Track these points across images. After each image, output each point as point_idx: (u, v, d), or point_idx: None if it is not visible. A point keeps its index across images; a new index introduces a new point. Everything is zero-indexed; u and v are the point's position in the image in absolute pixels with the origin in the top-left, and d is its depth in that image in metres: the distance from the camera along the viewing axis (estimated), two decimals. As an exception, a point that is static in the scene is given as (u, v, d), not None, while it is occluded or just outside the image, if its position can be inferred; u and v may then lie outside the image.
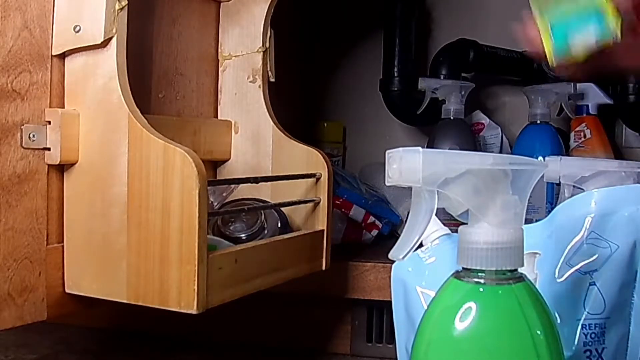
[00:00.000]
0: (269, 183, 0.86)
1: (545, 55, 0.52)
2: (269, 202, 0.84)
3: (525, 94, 1.23)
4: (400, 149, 0.38)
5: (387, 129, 1.47)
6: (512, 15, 1.41)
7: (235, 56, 0.90)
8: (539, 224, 0.52)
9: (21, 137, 0.65)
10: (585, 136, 1.23)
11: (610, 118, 1.36)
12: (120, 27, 0.65)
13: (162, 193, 0.62)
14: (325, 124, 1.48)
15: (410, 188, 0.39)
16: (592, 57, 0.50)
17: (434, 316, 0.39)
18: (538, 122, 1.20)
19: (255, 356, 0.46)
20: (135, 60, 0.72)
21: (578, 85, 1.23)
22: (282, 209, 0.83)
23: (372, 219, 1.09)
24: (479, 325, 0.37)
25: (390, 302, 0.58)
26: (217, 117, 0.92)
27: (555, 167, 0.57)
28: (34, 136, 0.65)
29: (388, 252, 0.42)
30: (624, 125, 1.37)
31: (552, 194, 1.07)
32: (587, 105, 1.26)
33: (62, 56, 0.67)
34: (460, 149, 1.03)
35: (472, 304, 0.37)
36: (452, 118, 1.19)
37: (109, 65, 0.65)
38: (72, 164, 0.66)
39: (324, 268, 0.82)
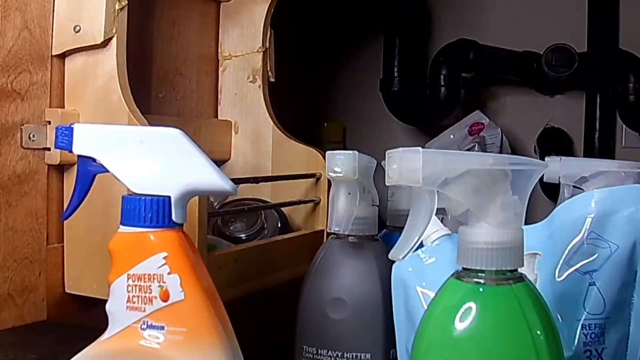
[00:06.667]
0: (269, 183, 0.86)
1: None
2: (269, 202, 0.84)
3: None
4: (400, 149, 0.38)
5: (387, 129, 1.47)
6: (512, 15, 1.40)
7: (235, 56, 0.90)
8: (539, 225, 0.52)
9: (21, 137, 0.65)
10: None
11: (610, 118, 1.36)
12: (120, 27, 0.65)
13: (162, 193, 0.62)
14: (326, 124, 1.48)
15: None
16: None
17: (434, 316, 0.39)
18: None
19: (256, 356, 0.46)
20: (135, 60, 0.72)
21: None
22: (282, 209, 0.83)
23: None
24: (479, 326, 0.37)
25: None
26: (217, 117, 0.92)
27: (555, 167, 0.57)
28: (34, 136, 0.65)
29: (388, 252, 0.42)
30: (624, 125, 1.37)
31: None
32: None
33: (62, 56, 0.67)
34: None
35: (472, 304, 0.37)
36: None
37: (109, 65, 0.65)
38: (72, 164, 0.66)
39: (324, 268, 0.82)
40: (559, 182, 0.57)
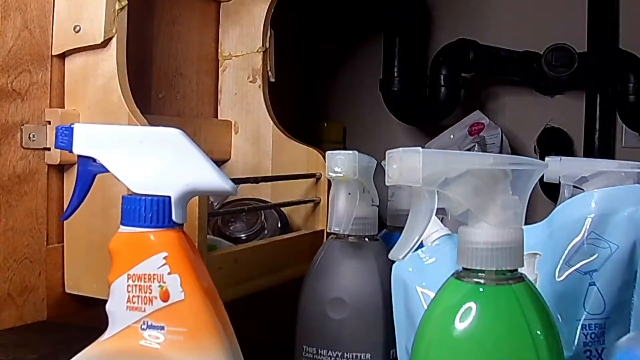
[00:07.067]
0: (269, 183, 0.86)
1: None
2: (269, 202, 0.84)
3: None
4: (400, 149, 0.38)
5: (387, 129, 1.48)
6: (512, 15, 1.40)
7: (235, 56, 0.90)
8: (539, 225, 0.52)
9: (21, 137, 0.65)
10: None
11: (610, 118, 1.36)
12: (120, 27, 0.65)
13: (162, 193, 0.62)
14: (326, 124, 1.48)
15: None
16: None
17: (434, 316, 0.39)
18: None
19: (256, 356, 0.46)
20: (135, 60, 0.72)
21: None
22: (282, 209, 0.83)
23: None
24: (479, 326, 0.37)
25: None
26: (217, 117, 0.92)
27: (555, 167, 0.57)
28: (34, 136, 0.65)
29: (388, 252, 0.42)
30: (624, 125, 1.37)
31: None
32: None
33: (62, 56, 0.67)
34: None
35: (472, 304, 0.37)
36: None
37: (109, 65, 0.65)
38: (72, 164, 0.67)
39: (324, 268, 0.82)
40: (559, 182, 0.57)
